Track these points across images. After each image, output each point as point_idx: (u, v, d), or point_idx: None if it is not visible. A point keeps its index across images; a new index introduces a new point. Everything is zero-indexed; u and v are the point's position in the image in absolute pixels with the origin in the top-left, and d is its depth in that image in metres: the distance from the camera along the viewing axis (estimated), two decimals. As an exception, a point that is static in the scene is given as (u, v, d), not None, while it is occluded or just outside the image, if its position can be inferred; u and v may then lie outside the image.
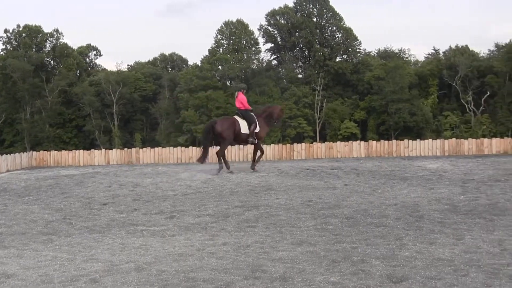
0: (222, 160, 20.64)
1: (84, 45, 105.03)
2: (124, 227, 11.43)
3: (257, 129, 20.49)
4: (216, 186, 17.22)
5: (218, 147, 21.22)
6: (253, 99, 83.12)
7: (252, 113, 20.79)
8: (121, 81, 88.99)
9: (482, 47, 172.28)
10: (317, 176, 18.81)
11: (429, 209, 12.31)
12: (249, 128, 20.35)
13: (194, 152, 30.22)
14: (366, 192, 15.15)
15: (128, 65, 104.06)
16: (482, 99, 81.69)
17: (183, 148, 31.31)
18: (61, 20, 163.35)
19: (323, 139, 73.37)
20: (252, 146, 21.51)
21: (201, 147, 21.56)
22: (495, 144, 29.80)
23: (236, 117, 20.81)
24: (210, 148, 21.74)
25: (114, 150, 32.48)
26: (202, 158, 20.93)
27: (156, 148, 31.37)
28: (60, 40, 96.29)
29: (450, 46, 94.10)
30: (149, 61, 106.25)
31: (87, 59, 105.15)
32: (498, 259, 8.09)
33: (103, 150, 32.76)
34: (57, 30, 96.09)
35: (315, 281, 7.28)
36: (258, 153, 21.31)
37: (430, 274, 7.46)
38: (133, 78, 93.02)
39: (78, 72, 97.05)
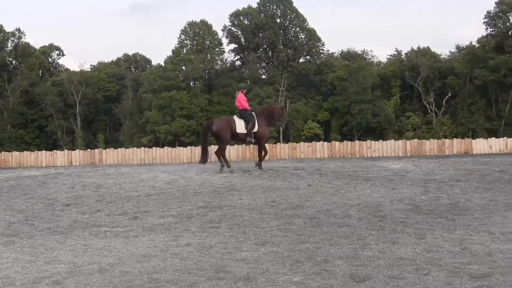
0: (222, 159, 20.77)
1: (47, 44, 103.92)
2: (87, 228, 11.34)
3: (255, 129, 20.42)
4: (179, 187, 17.17)
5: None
6: (217, 100, 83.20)
7: (251, 113, 20.82)
8: (84, 81, 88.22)
9: (443, 49, 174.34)
10: (281, 176, 18.85)
11: (391, 209, 12.41)
12: (246, 128, 20.36)
13: (158, 152, 30.11)
14: (329, 192, 15.22)
15: (91, 65, 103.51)
16: (443, 100, 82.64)
17: (146, 148, 31.16)
18: (23, 20, 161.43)
19: (286, 140, 73.48)
20: (256, 146, 22.06)
21: (201, 148, 21.88)
22: (456, 145, 30.14)
23: (234, 116, 20.91)
24: (210, 148, 21.98)
25: (77, 150, 32.24)
26: (203, 159, 21.08)
27: (119, 149, 31.17)
28: (22, 40, 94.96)
29: (412, 48, 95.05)
30: (112, 61, 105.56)
31: (50, 59, 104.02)
32: (459, 258, 8.19)
33: (65, 151, 32.42)
34: (19, 29, 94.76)
35: (279, 281, 7.30)
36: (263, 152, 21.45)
37: (393, 273, 7.53)
38: (96, 78, 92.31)
39: (40, 72, 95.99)
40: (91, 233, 10.86)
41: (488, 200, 13.20)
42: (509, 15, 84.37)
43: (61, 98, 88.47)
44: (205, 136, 21.17)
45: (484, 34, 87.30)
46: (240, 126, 20.41)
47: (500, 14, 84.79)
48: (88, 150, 32.03)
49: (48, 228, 11.44)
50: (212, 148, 24.37)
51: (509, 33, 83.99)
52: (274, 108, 21.51)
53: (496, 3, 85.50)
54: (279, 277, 7.48)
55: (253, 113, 20.91)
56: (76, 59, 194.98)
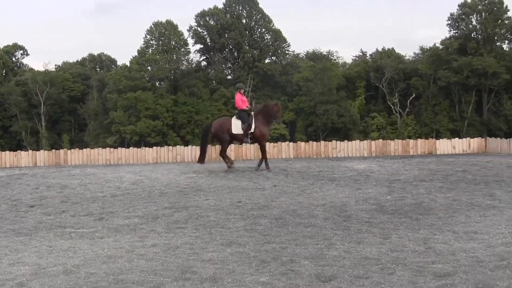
0: (226, 159, 21.16)
1: (10, 44, 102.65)
2: (52, 229, 11.24)
3: (252, 129, 20.47)
4: (145, 187, 17.11)
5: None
6: (182, 100, 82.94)
7: (249, 113, 20.86)
8: (49, 81, 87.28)
9: (408, 50, 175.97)
10: (246, 177, 18.88)
11: (356, 209, 12.49)
12: (243, 128, 20.40)
13: (123, 153, 29.97)
14: (295, 192, 15.28)
15: (56, 65, 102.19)
16: (408, 101, 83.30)
17: (112, 149, 31.01)
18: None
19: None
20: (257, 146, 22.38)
21: (200, 148, 22.01)
22: (420, 145, 30.47)
23: (233, 117, 21.01)
24: (210, 149, 22.04)
25: (42, 151, 31.93)
26: (201, 159, 21.37)
27: (84, 149, 30.97)
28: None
29: (376, 49, 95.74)
30: (77, 61, 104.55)
31: (14, 59, 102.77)
32: (423, 257, 8.27)
33: (30, 151, 32.14)
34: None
35: (245, 282, 7.31)
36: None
37: (358, 273, 7.58)
38: (61, 79, 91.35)
39: (4, 71, 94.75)
40: (56, 234, 10.77)
41: (451, 200, 13.35)
42: (471, 18, 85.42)
43: (25, 98, 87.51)
44: (205, 137, 21.41)
45: (448, 36, 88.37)
46: (236, 126, 20.57)
47: (463, 16, 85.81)
48: (53, 150, 31.79)
49: (12, 230, 11.32)
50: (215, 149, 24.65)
51: (472, 35, 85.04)
52: (269, 106, 21.42)
53: (459, 5, 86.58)
54: (246, 278, 7.49)
55: (252, 113, 20.88)
56: (40, 59, 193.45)
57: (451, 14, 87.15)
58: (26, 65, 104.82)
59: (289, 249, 9.00)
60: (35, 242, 10.10)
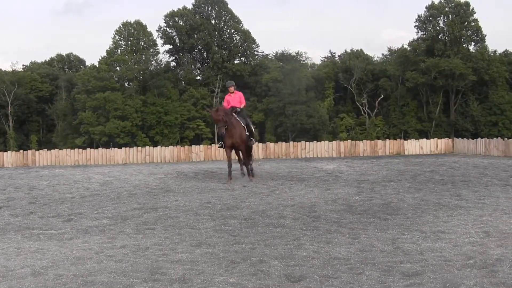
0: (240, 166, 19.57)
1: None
2: (19, 231, 11.14)
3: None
4: (114, 188, 17.03)
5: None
6: (151, 101, 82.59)
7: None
8: (16, 81, 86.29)
9: (376, 51, 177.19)
10: (216, 177, 18.88)
11: (325, 209, 12.55)
12: None
13: (92, 154, 29.80)
14: (264, 193, 15.31)
15: (23, 65, 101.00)
16: (376, 102, 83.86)
17: (80, 150, 30.86)
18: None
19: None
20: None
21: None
22: (389, 146, 30.73)
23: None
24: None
25: (9, 152, 31.67)
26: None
27: (52, 150, 30.79)
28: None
29: (345, 50, 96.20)
30: (45, 61, 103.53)
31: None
32: (392, 257, 8.33)
33: (-4, 152, 31.83)
34: None
35: (215, 282, 7.31)
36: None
37: (327, 273, 7.61)
38: (29, 79, 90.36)
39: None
40: (24, 236, 10.67)
41: (419, 200, 13.48)
42: (438, 19, 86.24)
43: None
44: None
45: (415, 37, 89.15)
46: None
47: (430, 18, 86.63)
48: (21, 151, 31.54)
49: (-22, 232, 11.20)
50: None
51: (439, 37, 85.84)
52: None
53: (426, 7, 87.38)
54: (215, 278, 7.49)
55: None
56: (7, 59, 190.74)
57: (419, 16, 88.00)
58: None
59: (259, 249, 9.02)
60: (2, 244, 10.00)
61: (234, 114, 18.46)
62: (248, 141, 18.62)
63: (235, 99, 19.24)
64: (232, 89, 19.44)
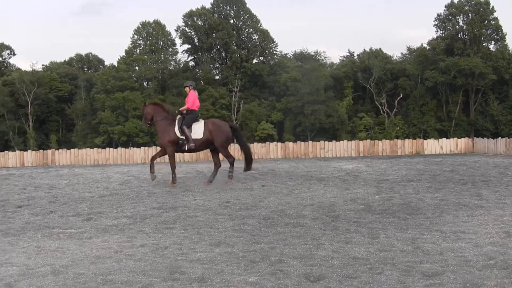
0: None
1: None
2: (40, 230, 11.19)
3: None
4: (133, 187, 17.08)
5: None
6: (170, 100, 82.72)
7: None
8: (36, 81, 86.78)
9: (395, 51, 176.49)
10: (235, 177, 18.87)
11: (345, 209, 12.52)
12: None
13: (111, 153, 29.91)
14: (283, 193, 15.30)
15: (43, 65, 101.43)
16: (395, 101, 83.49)
17: (99, 149, 31.00)
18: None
19: (240, 140, 73.29)
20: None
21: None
22: (408, 145, 30.60)
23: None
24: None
25: (29, 151, 31.88)
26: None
27: (72, 150, 30.94)
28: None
29: (364, 49, 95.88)
30: (64, 61, 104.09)
31: (0, 58, 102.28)
32: (412, 257, 8.29)
33: (17, 151, 32.06)
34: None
35: (234, 282, 7.31)
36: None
37: (347, 272, 7.59)
38: (49, 78, 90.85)
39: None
40: (44, 234, 10.72)
41: (439, 200, 13.40)
42: (458, 18, 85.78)
43: (13, 98, 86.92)
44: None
45: (435, 36, 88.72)
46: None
47: (450, 17, 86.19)
48: (41, 151, 31.73)
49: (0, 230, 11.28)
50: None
51: (459, 36, 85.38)
52: None
53: (445, 6, 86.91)
54: (234, 278, 7.48)
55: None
56: (27, 59, 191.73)
57: (438, 15, 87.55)
58: (13, 65, 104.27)
59: (278, 249, 9.00)
60: (23, 243, 10.06)
61: (180, 115, 17.88)
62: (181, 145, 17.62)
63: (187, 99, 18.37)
64: (186, 89, 18.67)
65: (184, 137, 17.42)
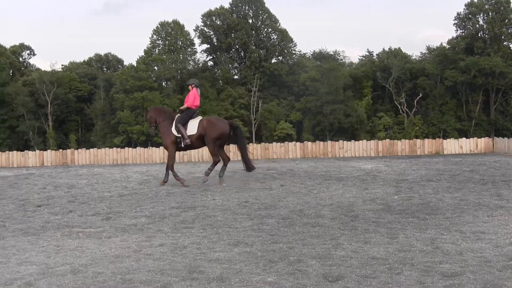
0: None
1: (17, 44, 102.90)
2: (59, 229, 11.25)
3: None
4: (152, 187, 17.13)
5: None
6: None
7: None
8: (56, 81, 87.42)
9: (414, 50, 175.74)
10: (253, 177, 18.87)
11: (364, 209, 12.48)
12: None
13: (130, 153, 30.02)
14: (302, 192, 15.27)
15: (62, 65, 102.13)
16: (415, 101, 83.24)
17: (119, 149, 31.08)
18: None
19: (259, 140, 73.52)
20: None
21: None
22: (427, 145, 30.43)
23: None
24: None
25: (49, 151, 32.04)
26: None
27: (91, 149, 31.06)
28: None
29: (383, 49, 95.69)
30: (84, 61, 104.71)
31: (20, 59, 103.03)
32: (431, 257, 8.25)
33: (37, 151, 32.25)
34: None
35: (252, 282, 7.30)
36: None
37: (366, 272, 7.56)
38: (68, 78, 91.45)
39: (11, 71, 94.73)
40: (63, 234, 10.77)
41: (459, 200, 13.32)
42: (478, 17, 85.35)
43: (32, 98, 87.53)
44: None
45: (454, 35, 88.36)
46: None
47: (470, 16, 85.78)
48: (60, 150, 31.89)
49: (19, 229, 11.32)
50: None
51: (479, 35, 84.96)
52: None
53: (465, 5, 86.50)
54: (253, 277, 7.48)
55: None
56: (47, 59, 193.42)
57: (458, 14, 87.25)
58: (33, 65, 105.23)
59: (296, 249, 8.99)
60: (42, 242, 10.11)
61: (178, 114, 18.03)
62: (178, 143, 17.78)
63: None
64: (189, 87, 18.65)
65: (180, 135, 17.59)
